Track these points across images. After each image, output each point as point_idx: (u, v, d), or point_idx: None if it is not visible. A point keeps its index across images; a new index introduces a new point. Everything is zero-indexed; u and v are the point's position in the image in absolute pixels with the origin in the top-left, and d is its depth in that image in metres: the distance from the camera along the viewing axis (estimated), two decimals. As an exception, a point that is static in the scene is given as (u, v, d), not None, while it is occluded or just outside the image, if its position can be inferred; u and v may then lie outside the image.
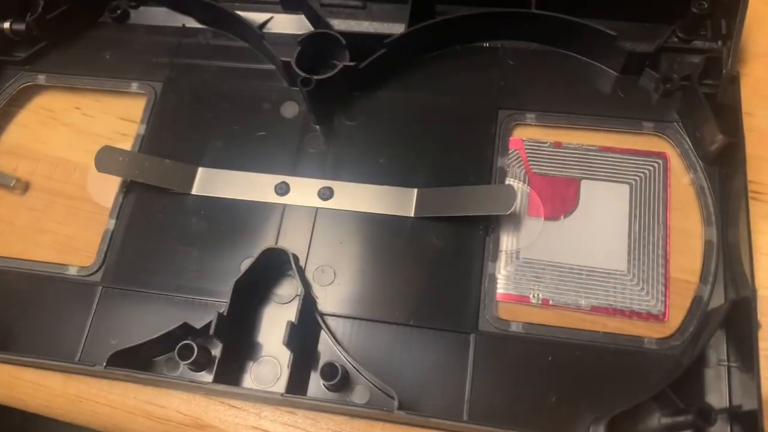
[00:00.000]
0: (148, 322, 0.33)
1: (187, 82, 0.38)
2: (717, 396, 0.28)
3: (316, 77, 0.34)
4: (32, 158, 0.38)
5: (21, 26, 0.39)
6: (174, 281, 0.33)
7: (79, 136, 0.39)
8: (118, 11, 0.40)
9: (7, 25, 0.39)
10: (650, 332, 0.30)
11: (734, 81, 0.32)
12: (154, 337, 0.30)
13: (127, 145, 0.37)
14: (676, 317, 0.31)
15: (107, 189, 0.36)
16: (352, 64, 0.35)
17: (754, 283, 0.28)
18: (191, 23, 0.40)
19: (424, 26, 0.35)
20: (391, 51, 0.35)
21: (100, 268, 0.34)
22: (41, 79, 0.40)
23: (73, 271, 0.34)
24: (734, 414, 0.28)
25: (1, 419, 0.61)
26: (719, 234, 0.32)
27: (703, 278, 0.31)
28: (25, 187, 0.38)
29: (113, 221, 0.35)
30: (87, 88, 0.39)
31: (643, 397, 0.27)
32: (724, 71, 0.32)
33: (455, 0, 0.36)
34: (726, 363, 0.29)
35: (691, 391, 0.28)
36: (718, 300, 0.31)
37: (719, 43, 0.34)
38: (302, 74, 0.34)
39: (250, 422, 0.31)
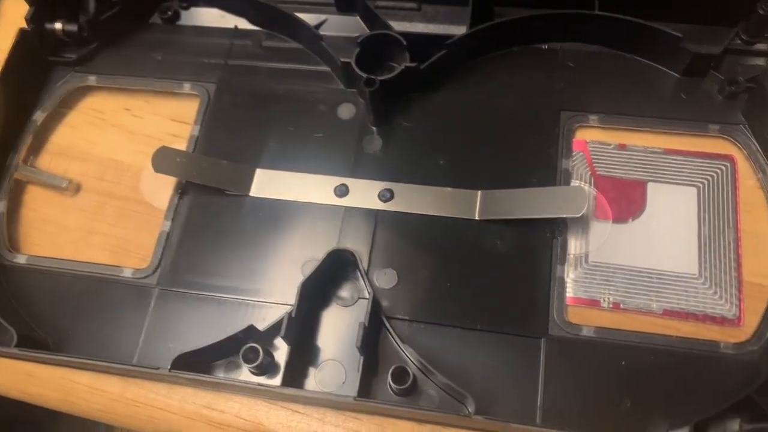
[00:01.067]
0: (206, 325, 0.32)
1: (240, 83, 0.38)
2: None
3: (379, 77, 0.33)
4: (83, 159, 0.38)
5: (73, 27, 0.38)
6: (232, 284, 0.33)
7: (130, 137, 0.38)
8: (169, 12, 0.40)
9: (59, 26, 0.38)
10: (726, 337, 0.30)
11: (803, 83, 0.32)
12: (220, 339, 0.29)
13: (179, 146, 0.36)
14: (751, 321, 0.30)
15: (161, 190, 0.36)
16: (413, 65, 0.34)
17: (838, 286, 0.27)
18: (243, 24, 0.40)
19: (486, 27, 0.35)
20: (452, 52, 0.35)
21: (155, 270, 0.34)
22: (92, 80, 0.39)
23: (128, 273, 0.34)
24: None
25: (24, 414, 0.60)
26: (792, 237, 0.31)
27: (778, 282, 0.30)
28: (76, 188, 0.37)
29: (168, 223, 0.35)
30: (137, 89, 0.39)
31: (727, 403, 0.26)
32: (793, 72, 0.32)
33: (511, 2, 0.36)
34: (807, 369, 0.28)
35: (772, 398, 0.27)
36: (794, 304, 0.30)
37: (786, 44, 0.34)
38: (364, 75, 0.33)
39: (313, 427, 0.30)
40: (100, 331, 0.33)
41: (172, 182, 0.35)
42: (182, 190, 0.35)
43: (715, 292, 0.31)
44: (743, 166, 0.33)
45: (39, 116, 0.38)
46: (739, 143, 0.33)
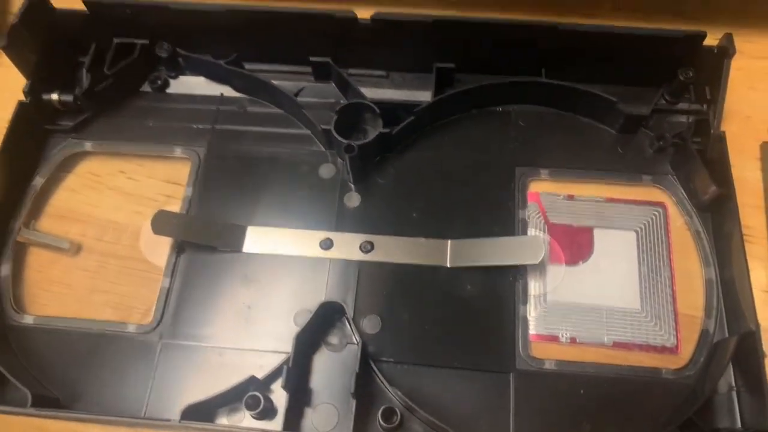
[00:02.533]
0: (209, 375, 0.33)
1: (228, 147, 0.39)
2: (730, 418, 0.30)
3: (357, 143, 0.35)
4: (82, 221, 0.38)
5: (69, 98, 0.39)
6: (230, 335, 0.34)
7: (126, 198, 0.39)
8: (159, 81, 0.41)
9: (55, 96, 0.39)
10: (666, 363, 0.32)
11: (721, 140, 0.35)
12: (225, 390, 0.31)
13: (174, 206, 0.37)
14: (687, 349, 0.33)
15: (160, 249, 0.36)
16: (386, 130, 0.36)
17: (756, 317, 0.31)
18: (228, 92, 0.41)
19: (448, 95, 0.37)
20: (419, 117, 0.37)
21: (158, 324, 0.34)
22: (87, 146, 0.40)
23: (132, 329, 0.34)
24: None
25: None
26: (716, 273, 0.34)
27: (707, 313, 0.33)
28: (77, 249, 0.38)
29: (168, 279, 0.35)
30: (131, 153, 0.40)
31: (673, 425, 0.29)
32: (712, 131, 0.35)
33: (472, 70, 0.39)
34: (735, 388, 0.31)
35: (707, 416, 0.30)
36: (721, 331, 0.33)
37: (704, 106, 0.37)
38: (345, 141, 0.35)
39: (312, 465, 0.32)
40: (109, 386, 0.33)
41: (169, 241, 0.36)
42: (179, 248, 0.36)
43: (656, 324, 0.33)
44: (673, 210, 0.36)
45: (38, 182, 0.39)
46: (669, 191, 0.37)
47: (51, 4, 0.39)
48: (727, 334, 0.33)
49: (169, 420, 0.30)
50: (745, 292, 0.32)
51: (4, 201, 0.37)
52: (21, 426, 0.33)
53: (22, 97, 0.38)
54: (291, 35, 0.38)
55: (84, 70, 0.40)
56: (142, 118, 0.40)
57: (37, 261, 0.37)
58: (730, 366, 0.32)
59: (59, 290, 0.36)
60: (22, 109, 0.38)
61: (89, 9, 0.39)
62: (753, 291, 0.32)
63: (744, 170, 0.37)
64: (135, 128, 0.40)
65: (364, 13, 0.37)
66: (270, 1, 0.39)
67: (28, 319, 0.35)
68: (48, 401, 0.32)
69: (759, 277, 0.34)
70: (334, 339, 0.34)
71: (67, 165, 0.40)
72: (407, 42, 0.38)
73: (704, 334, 0.33)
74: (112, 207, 0.39)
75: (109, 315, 0.35)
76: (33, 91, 0.38)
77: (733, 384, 0.31)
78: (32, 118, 0.39)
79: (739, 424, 0.30)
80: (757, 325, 0.30)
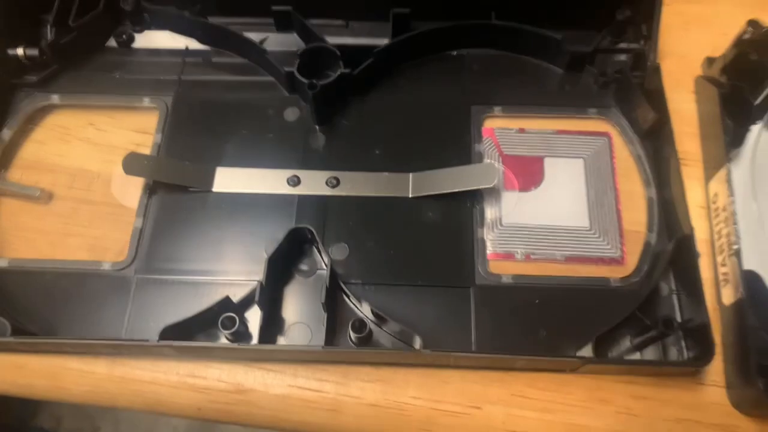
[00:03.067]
0: (184, 305, 0.34)
1: (195, 95, 0.40)
2: (671, 315, 0.33)
3: (320, 82, 0.37)
4: (52, 171, 0.39)
5: (34, 52, 0.40)
6: (203, 267, 0.35)
7: (95, 148, 0.40)
8: (124, 36, 0.42)
9: (20, 51, 0.40)
10: (614, 273, 0.35)
11: (657, 71, 0.38)
12: (202, 310, 0.32)
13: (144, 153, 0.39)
14: (632, 260, 0.35)
15: (131, 192, 0.38)
16: (347, 71, 0.38)
17: (691, 224, 0.33)
18: (193, 45, 0.42)
19: (405, 38, 0.39)
20: (378, 59, 0.39)
21: (132, 261, 0.35)
22: (55, 98, 0.41)
23: (107, 267, 0.35)
24: (686, 328, 0.32)
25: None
26: (656, 192, 0.37)
27: (649, 228, 0.36)
28: (48, 196, 0.38)
29: (140, 219, 0.36)
30: (99, 105, 0.41)
31: (618, 319, 0.32)
32: (648, 64, 0.38)
33: (427, 17, 0.41)
34: (676, 291, 0.34)
35: (652, 315, 0.33)
36: (661, 243, 0.36)
37: (641, 42, 0.40)
38: (307, 81, 0.37)
39: (287, 382, 0.33)
40: (87, 322, 0.34)
41: (140, 184, 0.37)
42: (150, 190, 0.37)
43: (603, 240, 0.36)
44: (617, 140, 0.39)
45: (6, 134, 0.39)
46: (613, 122, 0.39)
47: (13, -41, 0.39)
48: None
49: (147, 340, 0.31)
50: (681, 206, 0.34)
51: (-28, 153, 0.38)
52: (2, 363, 0.34)
53: (-14, 52, 0.39)
54: (252, -15, 0.40)
55: (48, 25, 0.40)
56: (109, 71, 0.41)
57: (8, 209, 0.38)
58: (671, 273, 0.34)
59: (32, 236, 0.37)
60: (-13, 63, 0.39)
61: (52, -38, 0.39)
62: (690, 206, 0.35)
63: (681, 102, 0.40)
64: (102, 81, 0.41)
65: (321, -39, 0.39)
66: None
67: (2, 262, 0.36)
68: (27, 335, 0.33)
69: (695, 195, 0.37)
70: (304, 266, 0.35)
71: (35, 118, 0.41)
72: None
73: (647, 246, 0.36)
74: (82, 156, 0.40)
75: (84, 256, 0.36)
76: (-2, 45, 0.39)
77: (673, 287, 0.34)
78: (-2, 73, 0.39)
79: (679, 319, 0.33)
80: (692, 229, 0.33)
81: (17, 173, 0.39)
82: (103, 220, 0.37)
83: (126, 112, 0.41)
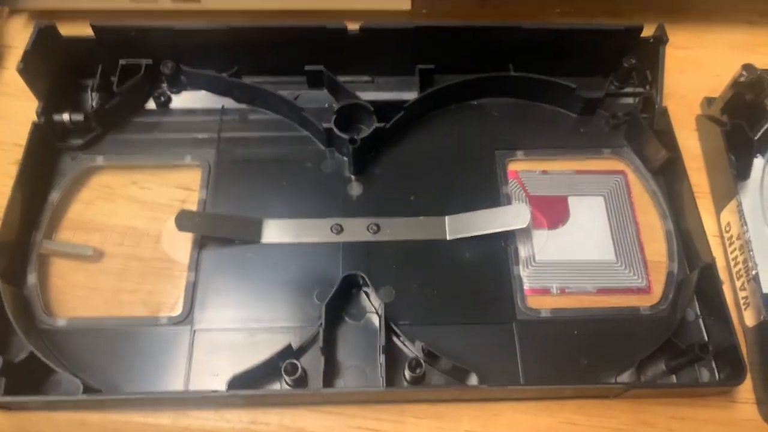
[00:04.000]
0: (242, 354, 0.35)
1: (235, 151, 0.42)
2: (700, 339, 0.36)
3: (359, 136, 0.39)
4: (100, 230, 0.41)
5: (79, 117, 0.41)
6: (256, 315, 0.37)
7: (141, 206, 0.41)
8: (162, 98, 0.44)
9: (66, 116, 0.41)
10: (642, 302, 0.38)
11: (665, 113, 0.41)
12: (266, 359, 0.33)
13: (189, 209, 0.40)
14: (657, 289, 0.38)
15: (181, 247, 0.39)
16: (381, 125, 0.41)
17: (711, 253, 0.36)
18: (229, 104, 0.44)
19: (432, 91, 0.42)
20: (407, 112, 0.42)
21: (188, 314, 0.37)
22: (99, 160, 0.42)
23: (164, 321, 0.37)
24: (717, 351, 0.35)
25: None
26: (674, 224, 0.40)
27: (669, 257, 0.39)
28: (99, 255, 0.40)
29: (192, 273, 0.38)
30: (141, 164, 0.42)
31: (655, 346, 0.34)
32: (656, 106, 0.41)
33: (448, 71, 0.44)
34: (701, 316, 0.37)
35: (684, 340, 0.35)
36: (682, 271, 0.38)
37: (646, 86, 0.43)
38: (347, 136, 0.39)
39: (346, 423, 0.35)
40: (148, 377, 0.35)
41: (189, 238, 0.39)
42: (200, 244, 0.39)
43: (629, 271, 0.39)
44: (632, 176, 0.42)
45: (54, 197, 0.41)
46: (626, 160, 0.42)
47: (58, 31, 0.41)
48: (688, 273, 0.38)
49: (216, 391, 0.32)
50: (699, 236, 0.37)
51: (24, 216, 0.39)
52: (62, 423, 0.35)
53: (31, 123, 0.40)
54: (285, 48, 0.42)
55: (90, 91, 0.42)
56: (149, 132, 0.43)
57: (60, 270, 0.39)
58: (695, 298, 0.37)
59: (87, 294, 0.38)
60: (36, 130, 0.40)
61: (96, 34, 0.41)
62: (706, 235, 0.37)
63: (684, 140, 0.43)
64: (143, 142, 0.43)
65: (352, 25, 0.42)
66: (267, 16, 0.43)
67: (60, 322, 0.37)
68: (93, 392, 0.34)
69: (708, 225, 0.40)
70: (353, 310, 0.37)
71: (80, 180, 0.42)
72: (390, 48, 0.43)
73: (670, 275, 0.38)
74: (128, 215, 0.41)
75: (138, 311, 0.38)
76: (45, 112, 0.41)
77: (698, 312, 0.37)
78: (45, 138, 0.41)
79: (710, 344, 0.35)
80: (713, 258, 0.36)
81: (67, 234, 0.40)
82: (155, 275, 0.39)
83: (168, 170, 0.42)
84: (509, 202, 0.41)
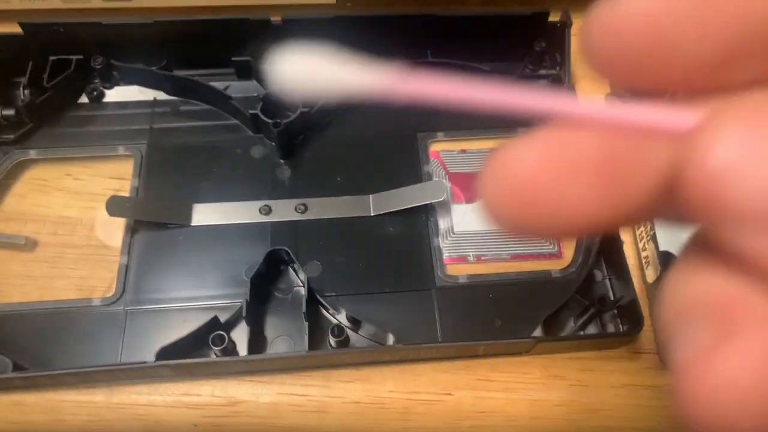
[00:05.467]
0: (173, 331, 0.37)
1: (167, 141, 0.44)
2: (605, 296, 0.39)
3: (283, 120, 0.41)
4: (35, 221, 0.42)
5: (10, 112, 0.43)
6: (188, 294, 0.38)
7: (75, 197, 0.43)
8: (95, 92, 0.45)
9: (-3, 112, 0.43)
10: (554, 266, 0.40)
11: (573, 90, 0.44)
12: (192, 330, 0.35)
13: (122, 197, 0.42)
14: (568, 254, 0.41)
15: (114, 233, 0.41)
16: (306, 110, 0.43)
17: (613, 217, 0.39)
18: (160, 96, 0.46)
19: (354, 77, 0.44)
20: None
21: (121, 295, 0.38)
22: (32, 154, 0.43)
23: (96, 303, 0.38)
24: (620, 306, 0.38)
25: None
26: (583, 194, 0.43)
27: (579, 225, 0.42)
28: (33, 244, 0.41)
29: (125, 257, 0.39)
30: (75, 157, 0.44)
31: (561, 302, 0.37)
32: (565, 85, 0.44)
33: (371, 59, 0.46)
34: (608, 277, 0.39)
35: (589, 297, 0.38)
36: (591, 239, 0.41)
37: (557, 68, 0.46)
38: (271, 121, 0.41)
39: (275, 390, 0.36)
40: (81, 356, 0.36)
41: (122, 225, 0.41)
42: (133, 229, 0.40)
43: (542, 238, 0.41)
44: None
45: (-13, 190, 0.42)
46: (540, 138, 0.45)
47: (-14, 28, 0.43)
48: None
49: (145, 362, 0.34)
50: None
51: (-44, 209, 0.40)
52: (1, 404, 0.36)
53: (-35, 114, 0.41)
54: (213, 40, 0.44)
55: (21, 87, 0.44)
56: (82, 125, 0.45)
57: (-6, 260, 0.40)
58: (602, 261, 0.40)
59: (21, 282, 0.39)
60: (-35, 125, 0.41)
61: (24, 31, 0.43)
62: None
63: (595, 118, 0.47)
64: (76, 135, 0.44)
65: (276, 17, 0.44)
66: (196, 11, 0.45)
67: (-7, 309, 0.38)
68: (26, 371, 0.35)
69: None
70: (281, 286, 0.39)
71: (13, 174, 0.43)
72: (314, 38, 0.45)
73: (579, 240, 0.41)
74: (63, 205, 0.42)
75: (72, 296, 0.39)
76: (-25, 107, 0.42)
77: (605, 273, 0.40)
78: (-24, 133, 0.42)
79: (612, 299, 0.38)
80: (614, 221, 0.39)
81: (0, 225, 0.41)
82: (88, 261, 0.40)
83: (101, 162, 0.44)
84: (430, 179, 0.43)
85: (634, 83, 0.13)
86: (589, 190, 0.12)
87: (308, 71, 0.12)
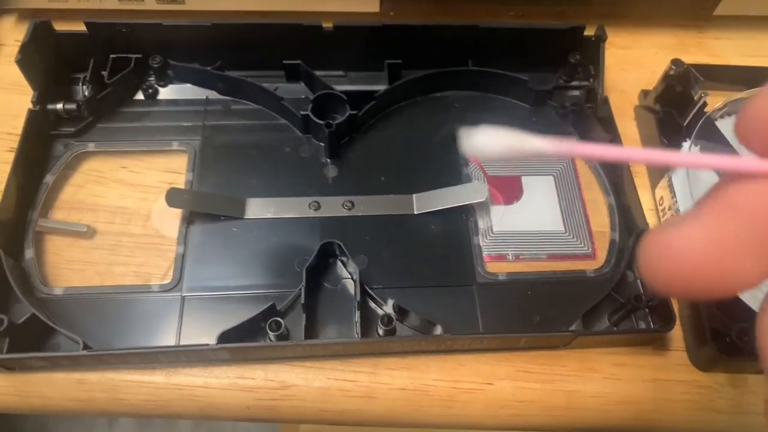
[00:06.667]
0: (227, 318, 0.39)
1: (219, 137, 0.46)
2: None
3: (334, 121, 0.44)
4: (92, 210, 0.44)
5: (72, 106, 0.45)
6: (242, 283, 0.40)
7: (130, 188, 0.45)
8: (150, 90, 0.48)
9: (60, 106, 0.45)
10: (588, 266, 0.42)
11: (606, 102, 0.47)
12: (251, 317, 0.37)
13: (176, 190, 0.44)
14: (601, 255, 0.43)
15: (170, 224, 0.43)
16: (354, 112, 0.45)
17: (646, 221, 0.42)
18: (212, 95, 0.48)
19: (401, 82, 0.47)
20: (377, 102, 0.46)
21: (178, 282, 0.40)
22: (90, 146, 0.46)
23: (155, 288, 0.40)
24: (651, 306, 0.40)
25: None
26: (615, 199, 0.45)
27: (612, 228, 0.44)
28: (92, 232, 0.43)
29: (181, 247, 0.42)
30: (131, 150, 0.46)
31: (597, 300, 0.39)
32: (598, 96, 0.47)
33: (414, 66, 0.49)
34: (639, 278, 0.42)
35: (623, 295, 0.40)
36: (623, 241, 0.44)
37: (590, 80, 0.49)
38: (321, 122, 0.44)
39: (326, 375, 0.38)
40: (140, 340, 0.38)
41: (178, 216, 0.43)
42: (188, 221, 0.43)
43: (576, 239, 0.44)
44: (578, 159, 0.47)
45: (49, 179, 0.44)
46: (573, 145, 0.48)
47: (53, 26, 0.45)
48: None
49: (206, 344, 0.36)
50: (636, 208, 0.43)
51: (20, 197, 0.42)
52: (60, 383, 0.38)
53: (26, 111, 0.43)
54: (265, 44, 0.47)
55: (81, 83, 0.46)
56: (138, 121, 0.47)
57: (56, 246, 0.42)
58: (634, 262, 0.42)
59: (81, 267, 0.42)
60: (31, 117, 0.43)
61: (88, 29, 0.45)
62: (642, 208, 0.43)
63: (624, 128, 0.49)
64: (132, 130, 0.47)
65: (327, 24, 0.46)
66: (247, 16, 0.48)
67: (57, 291, 0.40)
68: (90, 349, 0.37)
69: (645, 200, 0.45)
70: (331, 277, 0.41)
71: (72, 165, 0.45)
72: (361, 44, 0.47)
73: (612, 242, 0.43)
74: (118, 196, 0.45)
75: (131, 281, 0.41)
76: (40, 101, 0.44)
77: (637, 274, 0.42)
78: (40, 125, 0.44)
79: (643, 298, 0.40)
80: (647, 224, 0.41)
81: (60, 214, 0.44)
82: (145, 250, 0.42)
83: (156, 156, 0.46)
84: (470, 181, 0.45)
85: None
86: (752, 260, 0.13)
87: (498, 143, 0.16)
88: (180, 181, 0.45)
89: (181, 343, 0.38)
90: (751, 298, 0.38)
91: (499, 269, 0.42)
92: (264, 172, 0.45)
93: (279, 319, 0.37)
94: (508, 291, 0.41)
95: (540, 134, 0.46)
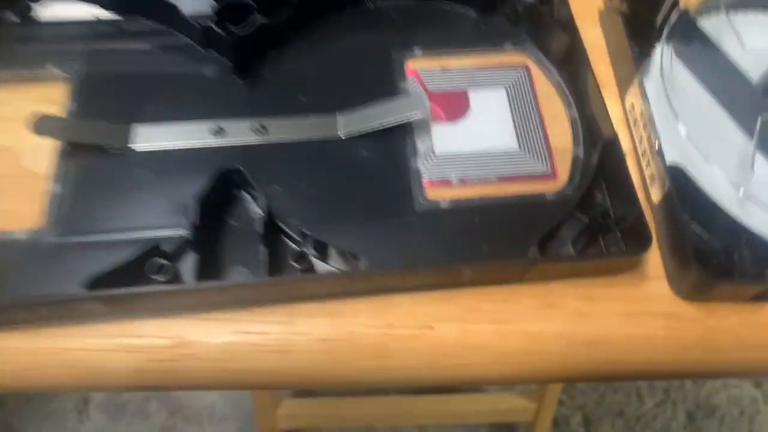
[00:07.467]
0: (110, 264, 0.32)
1: (108, 61, 0.39)
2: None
3: (239, 33, 0.36)
4: (-47, 150, 0.37)
5: (-76, 29, 0.37)
6: (127, 224, 0.33)
7: (2, 124, 0.38)
8: (23, 6, 0.40)
9: None
10: (548, 188, 0.36)
11: (564, 1, 0.40)
12: (130, 259, 0.30)
13: (55, 122, 0.37)
14: (563, 175, 0.36)
15: (44, 160, 0.35)
16: (266, 21, 0.38)
17: (614, 128, 0.35)
18: (102, 14, 0.41)
19: (320, -12, 0.40)
20: (296, 11, 0.39)
21: (51, 227, 0.33)
22: (-50, 77, 0.38)
23: (20, 235, 0.33)
24: (623, 228, 0.33)
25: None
26: (579, 112, 0.38)
27: (575, 143, 0.37)
28: (-50, 176, 0.36)
29: (58, 185, 0.34)
30: (3, 80, 0.39)
31: (557, 220, 0.32)
32: (558, -7, 0.40)
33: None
34: (608, 196, 0.35)
35: (587, 211, 0.34)
36: (588, 157, 0.37)
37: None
38: (222, 32, 0.36)
39: (229, 328, 0.32)
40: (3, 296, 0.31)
41: (54, 151, 0.35)
42: (67, 155, 0.35)
43: (533, 158, 0.37)
44: (535, 69, 0.40)
45: None
46: (529, 54, 0.41)
47: None
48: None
49: (74, 294, 0.29)
50: (602, 116, 0.36)
51: None
52: None
53: None
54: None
55: (-61, 4, 0.39)
56: (10, 46, 0.39)
57: None
58: (602, 181, 0.35)
59: (-67, 216, 0.34)
60: None
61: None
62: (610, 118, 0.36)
63: (589, 35, 0.42)
64: (4, 57, 0.39)
65: None
66: None
67: None
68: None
69: (614, 111, 0.38)
70: (235, 213, 0.34)
71: (-70, 99, 0.38)
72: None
73: (575, 159, 0.37)
74: (-14, 133, 0.37)
75: (-5, 228, 0.34)
76: None
77: (605, 193, 0.35)
78: None
79: (613, 216, 0.34)
80: (615, 134, 0.34)
81: None
82: (12, 193, 0.35)
83: (33, 85, 0.39)
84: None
85: None
86: None
87: None
88: (61, 113, 0.37)
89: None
90: (739, 209, 0.32)
91: (441, 195, 0.35)
92: (159, 97, 0.38)
93: (161, 259, 0.30)
94: (451, 220, 0.34)
95: (489, 43, 0.41)
